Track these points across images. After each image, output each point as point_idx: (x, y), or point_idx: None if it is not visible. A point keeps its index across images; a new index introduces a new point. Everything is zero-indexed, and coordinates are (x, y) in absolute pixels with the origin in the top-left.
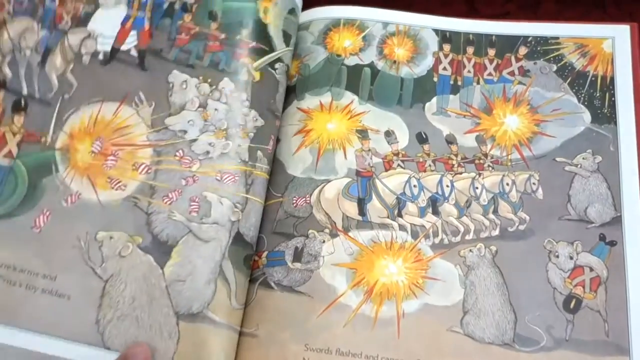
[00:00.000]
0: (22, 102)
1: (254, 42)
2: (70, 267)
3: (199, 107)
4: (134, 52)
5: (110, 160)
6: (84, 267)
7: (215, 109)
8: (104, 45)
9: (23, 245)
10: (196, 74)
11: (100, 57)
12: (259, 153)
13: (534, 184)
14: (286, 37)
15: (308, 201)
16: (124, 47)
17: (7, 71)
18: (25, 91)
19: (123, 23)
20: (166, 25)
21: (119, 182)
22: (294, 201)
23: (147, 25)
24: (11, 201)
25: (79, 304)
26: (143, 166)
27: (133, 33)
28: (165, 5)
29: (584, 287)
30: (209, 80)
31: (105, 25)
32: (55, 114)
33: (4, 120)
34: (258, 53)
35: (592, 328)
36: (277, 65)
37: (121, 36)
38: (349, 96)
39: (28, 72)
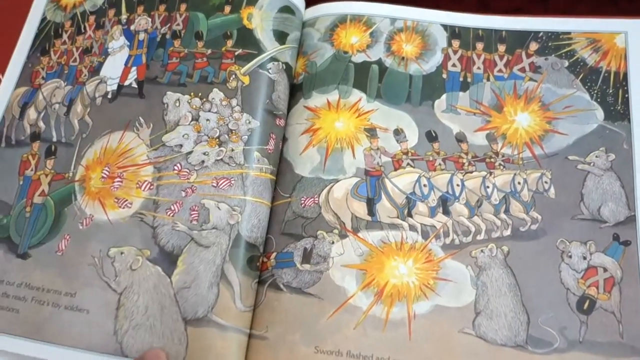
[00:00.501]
0: (52, 148)
1: (239, 49)
2: (87, 283)
3: (191, 120)
4: (134, 84)
5: (116, 182)
6: (99, 282)
7: (207, 120)
8: (112, 86)
9: (49, 268)
10: (188, 91)
11: (109, 95)
12: (256, 154)
13: (546, 182)
14: (280, 35)
15: (316, 201)
16: (126, 83)
17: (42, 124)
18: (54, 138)
19: (126, 64)
20: (159, 54)
21: (125, 201)
22: (302, 201)
23: (143, 60)
24: (42, 231)
25: (97, 317)
26: (146, 183)
27: (133, 69)
28: (159, 38)
29: (597, 288)
30: (200, 94)
31: (113, 69)
32: (75, 153)
33: (39, 165)
34: (246, 59)
35: (606, 329)
36: (269, 65)
37: (124, 74)
38: (356, 94)
39: (57, 122)
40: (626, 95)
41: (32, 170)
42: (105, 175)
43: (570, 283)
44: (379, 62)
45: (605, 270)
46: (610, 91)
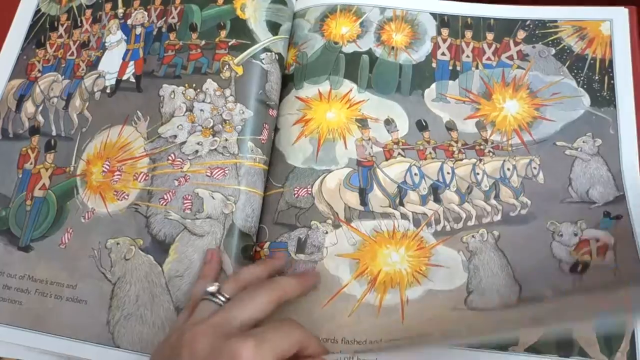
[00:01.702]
0: (52, 142)
1: (233, 40)
2: (87, 275)
3: (186, 111)
4: (132, 79)
5: (116, 176)
6: (97, 273)
7: (201, 110)
8: (111, 80)
9: (53, 261)
10: (182, 83)
11: (108, 90)
12: (250, 144)
13: (534, 168)
14: (273, 26)
15: (309, 192)
16: (124, 77)
17: (40, 118)
18: (54, 132)
19: (124, 58)
20: (156, 48)
21: (123, 193)
22: (295, 192)
23: (141, 54)
24: (44, 224)
25: (94, 308)
26: (142, 175)
27: (131, 63)
28: (155, 32)
29: (591, 255)
30: (194, 85)
31: (111, 64)
32: (76, 147)
33: (39, 159)
34: (239, 49)
35: (602, 279)
36: (263, 56)
37: (122, 69)
38: (347, 84)
39: (56, 116)
40: (612, 82)
41: (31, 163)
42: (106, 170)
43: (563, 255)
44: (369, 52)
45: (597, 240)
46: (596, 78)
